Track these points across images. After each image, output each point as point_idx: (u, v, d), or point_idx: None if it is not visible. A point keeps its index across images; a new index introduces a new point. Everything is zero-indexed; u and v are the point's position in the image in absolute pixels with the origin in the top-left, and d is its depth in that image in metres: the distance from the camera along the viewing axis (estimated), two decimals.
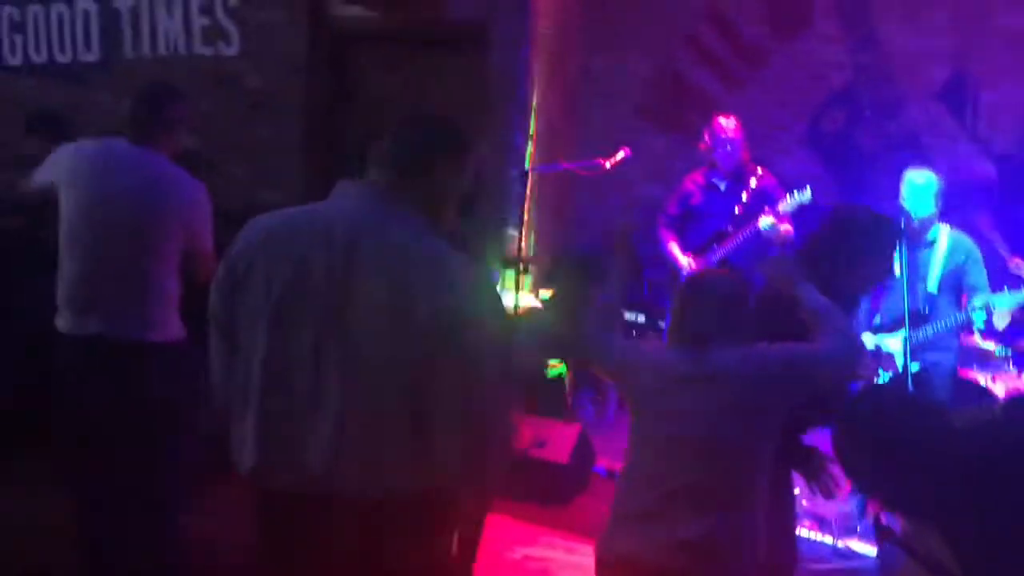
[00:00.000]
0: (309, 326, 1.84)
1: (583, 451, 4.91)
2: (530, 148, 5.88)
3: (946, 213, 4.48)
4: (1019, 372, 4.59)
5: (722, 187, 5.11)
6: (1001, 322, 4.13)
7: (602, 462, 5.00)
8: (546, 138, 5.99)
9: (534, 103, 5.81)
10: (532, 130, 5.84)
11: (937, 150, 5.99)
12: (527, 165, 5.79)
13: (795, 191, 4.97)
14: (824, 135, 6.25)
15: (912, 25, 5.90)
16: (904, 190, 4.31)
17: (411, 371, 1.81)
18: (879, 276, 3.10)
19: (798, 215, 4.98)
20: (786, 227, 4.91)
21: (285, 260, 1.88)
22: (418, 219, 1.92)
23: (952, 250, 4.23)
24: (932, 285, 4.20)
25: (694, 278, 2.77)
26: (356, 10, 6.03)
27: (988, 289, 4.19)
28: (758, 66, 6.30)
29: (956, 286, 4.23)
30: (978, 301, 4.08)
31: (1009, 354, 4.66)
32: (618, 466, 4.70)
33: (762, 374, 2.44)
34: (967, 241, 4.26)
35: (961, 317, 4.13)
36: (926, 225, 4.27)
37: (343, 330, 1.82)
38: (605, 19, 6.40)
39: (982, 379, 4.73)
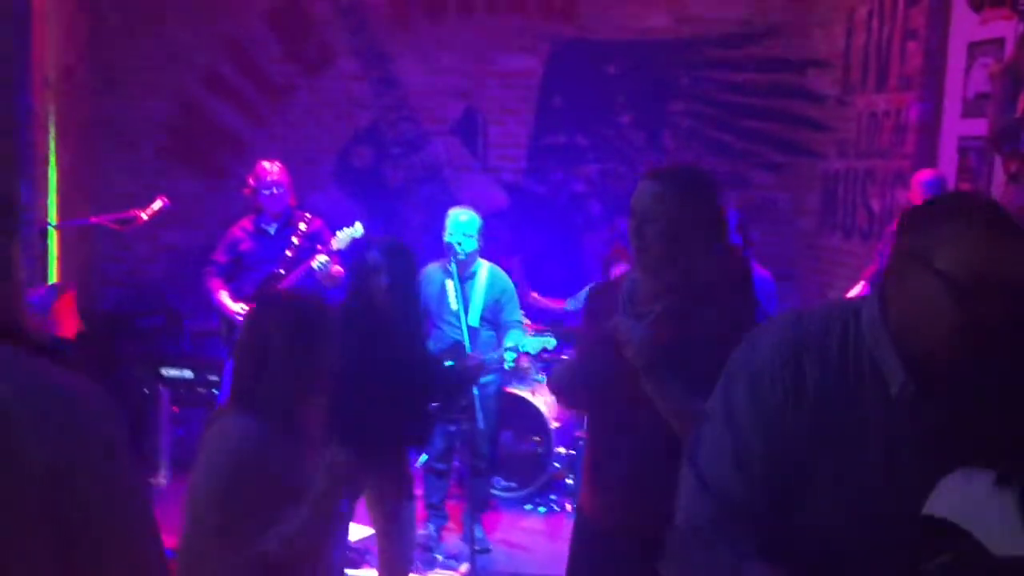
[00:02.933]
0: None
1: None
2: (53, 202, 5.18)
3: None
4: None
5: (271, 231, 4.96)
6: (533, 352, 4.55)
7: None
8: (66, 190, 5.34)
9: (51, 153, 5.13)
10: (53, 183, 5.15)
11: (457, 181, 6.46)
12: (52, 220, 5.09)
13: (346, 227, 4.99)
14: (353, 170, 6.39)
15: (425, 66, 6.29)
16: (448, 227, 4.53)
17: None
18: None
19: (349, 251, 5.01)
20: (337, 268, 4.92)
21: None
22: None
23: (490, 285, 4.54)
24: (473, 318, 4.47)
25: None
26: None
27: (521, 325, 4.57)
28: (283, 103, 6.25)
29: (494, 320, 4.54)
30: (509, 342, 4.44)
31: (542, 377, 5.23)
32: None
33: None
34: (504, 277, 4.60)
35: (496, 356, 4.45)
36: (469, 260, 4.52)
37: None
38: (114, 61, 5.91)
39: (523, 393, 5.22)
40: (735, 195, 6.55)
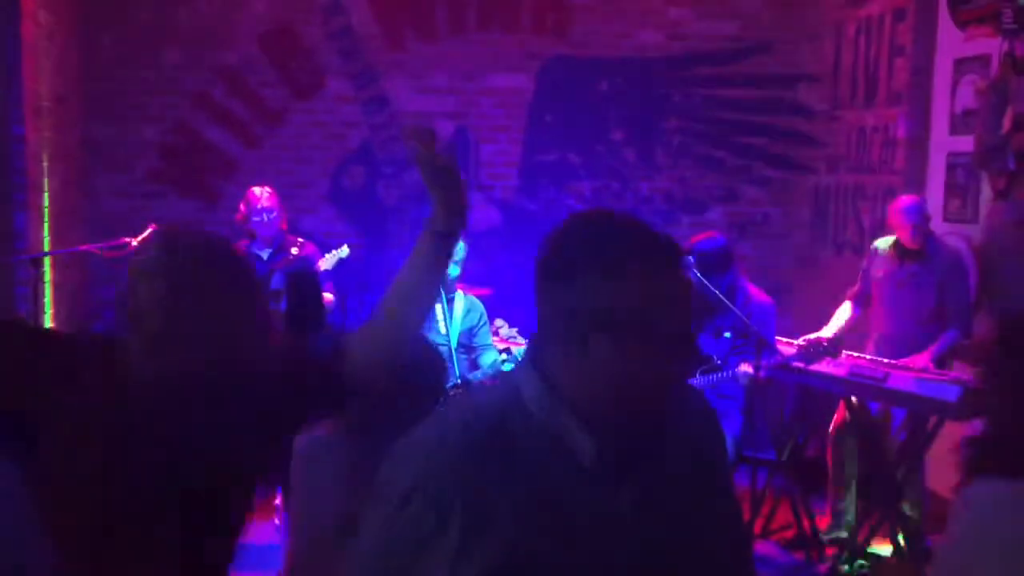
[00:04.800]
0: None
1: None
2: (46, 231, 5.21)
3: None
4: None
5: (264, 256, 4.97)
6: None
7: None
8: (59, 216, 5.36)
9: (45, 182, 5.15)
10: (46, 212, 5.18)
11: None
12: (46, 248, 5.12)
13: (333, 249, 5.02)
14: (346, 191, 6.41)
15: (416, 85, 6.31)
16: None
17: None
18: None
19: (336, 272, 5.04)
20: (328, 295, 4.93)
21: None
22: None
23: (466, 312, 4.53)
24: (453, 343, 4.45)
25: None
26: None
27: (493, 347, 4.57)
28: (275, 125, 6.27)
29: (468, 344, 4.53)
30: (486, 360, 4.45)
31: None
32: None
33: None
34: (477, 304, 4.57)
35: (479, 377, 4.45)
36: (449, 287, 4.51)
37: None
38: (107, 87, 5.94)
39: None
40: (727, 211, 6.59)
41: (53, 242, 5.26)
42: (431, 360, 2.52)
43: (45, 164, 5.21)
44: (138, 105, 6.05)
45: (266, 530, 4.63)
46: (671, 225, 6.32)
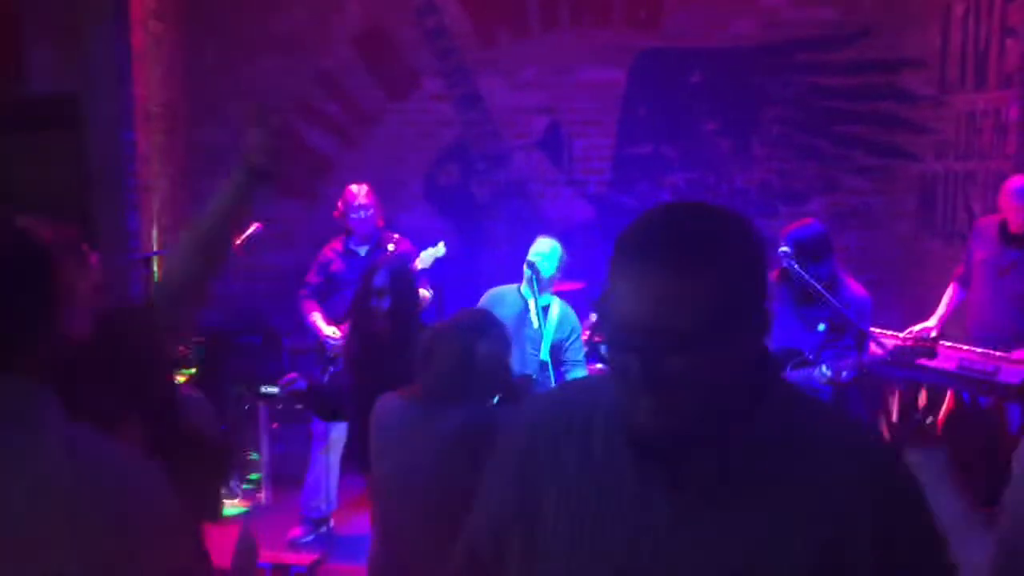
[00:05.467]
0: None
1: (246, 551, 4.59)
2: (155, 231, 5.43)
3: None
4: None
5: (362, 252, 5.07)
6: None
7: (266, 556, 4.71)
8: (168, 218, 5.58)
9: (154, 184, 5.38)
10: (156, 213, 5.41)
11: (543, 195, 6.49)
12: (155, 248, 5.35)
13: (429, 246, 5.07)
14: (441, 188, 6.48)
15: (509, 81, 6.34)
16: (533, 249, 4.47)
17: None
18: None
19: (432, 269, 5.09)
20: (425, 292, 4.96)
21: None
22: None
23: (560, 323, 4.41)
24: (544, 353, 4.35)
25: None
26: None
27: (583, 365, 4.43)
28: (372, 126, 6.39)
29: (557, 357, 4.37)
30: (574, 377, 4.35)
31: None
32: (284, 558, 4.53)
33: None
34: (573, 316, 4.47)
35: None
36: (545, 286, 4.44)
37: None
38: (211, 93, 6.14)
39: None
40: (827, 201, 6.42)
41: (162, 242, 5.47)
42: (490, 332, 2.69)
43: (155, 167, 5.42)
44: (240, 109, 6.23)
45: (361, 521, 4.73)
46: (769, 216, 6.19)
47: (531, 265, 4.37)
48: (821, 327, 3.93)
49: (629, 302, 1.14)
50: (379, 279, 3.59)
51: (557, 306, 4.45)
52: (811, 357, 3.93)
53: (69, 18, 4.99)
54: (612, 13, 6.32)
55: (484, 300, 4.47)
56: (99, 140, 5.14)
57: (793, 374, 4.00)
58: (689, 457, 1.18)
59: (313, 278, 5.14)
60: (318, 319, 5.07)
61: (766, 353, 1.24)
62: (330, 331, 5.01)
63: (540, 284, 4.38)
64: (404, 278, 3.66)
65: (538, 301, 4.35)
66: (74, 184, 5.13)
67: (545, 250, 4.44)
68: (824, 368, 3.77)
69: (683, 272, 1.12)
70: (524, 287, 4.37)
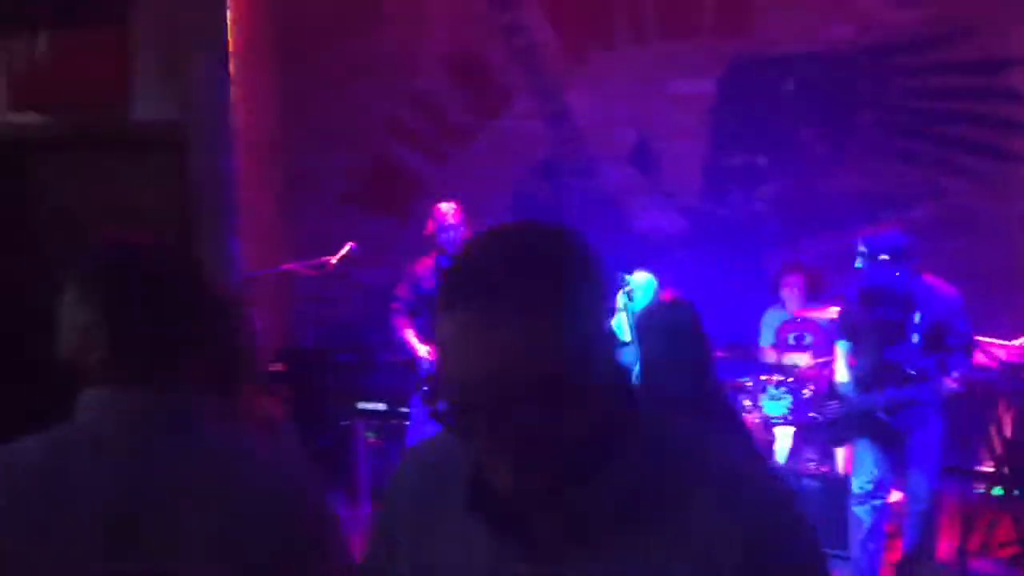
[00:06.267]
0: None
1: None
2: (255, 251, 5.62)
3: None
4: None
5: None
6: None
7: None
8: (266, 240, 5.76)
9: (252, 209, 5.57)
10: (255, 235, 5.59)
11: (634, 206, 6.45)
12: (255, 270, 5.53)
13: None
14: (532, 204, 6.51)
15: (598, 95, 6.33)
16: (632, 282, 4.49)
17: None
18: None
19: None
20: None
21: None
22: None
23: None
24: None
25: None
26: (28, 116, 5.46)
27: None
28: (464, 145, 6.46)
29: None
30: None
31: None
32: None
33: None
34: None
35: None
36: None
37: None
38: (306, 116, 6.32)
39: None
40: (932, 206, 6.19)
41: (260, 264, 5.64)
42: None
43: (254, 192, 5.60)
44: (333, 134, 6.39)
45: None
46: (870, 223, 6.00)
47: (629, 294, 4.36)
48: (915, 338, 3.77)
49: (461, 353, 0.98)
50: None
51: None
52: (912, 372, 3.78)
53: (172, 49, 5.22)
54: (701, 22, 6.26)
55: None
56: (200, 166, 5.35)
57: (895, 393, 3.85)
58: (549, 514, 1.05)
59: (405, 292, 5.22)
60: (411, 336, 5.15)
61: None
62: (424, 351, 5.07)
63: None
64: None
65: (630, 315, 4.34)
66: (176, 208, 5.34)
67: (642, 282, 4.47)
68: (949, 382, 3.62)
69: (517, 311, 0.97)
70: (616, 321, 4.35)
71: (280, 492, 1.38)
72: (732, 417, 2.97)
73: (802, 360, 5.35)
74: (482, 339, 0.97)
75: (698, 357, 2.87)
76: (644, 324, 3.00)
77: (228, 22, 5.32)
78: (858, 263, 3.93)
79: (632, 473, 1.05)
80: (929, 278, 3.97)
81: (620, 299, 4.35)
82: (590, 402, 1.01)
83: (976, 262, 6.02)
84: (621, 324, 4.40)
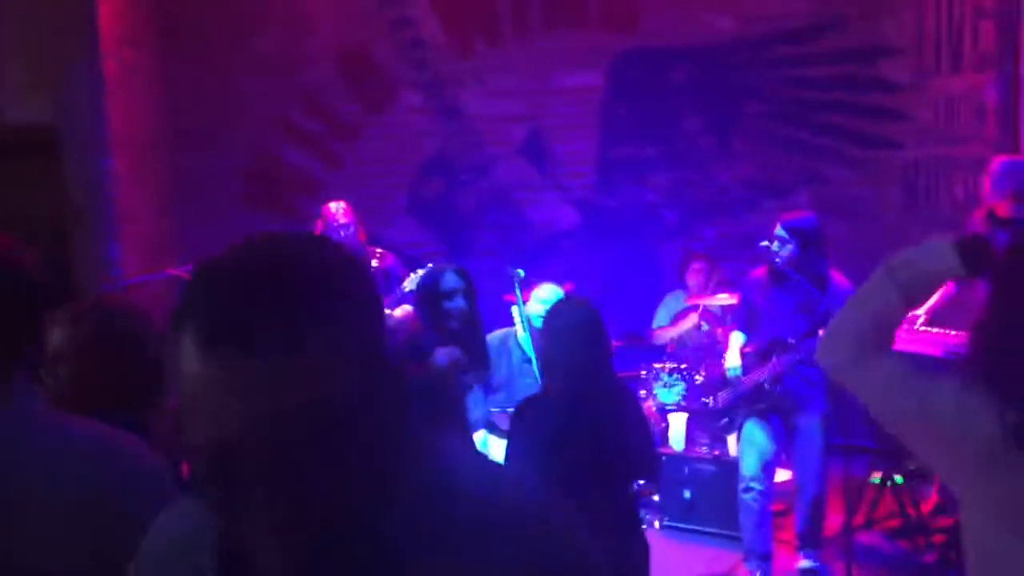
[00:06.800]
0: None
1: None
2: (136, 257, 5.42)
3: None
4: None
5: None
6: None
7: None
8: (148, 244, 5.57)
9: (133, 211, 5.37)
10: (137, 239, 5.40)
11: (526, 202, 6.48)
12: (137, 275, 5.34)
13: (418, 268, 5.03)
14: (424, 200, 6.47)
15: (485, 90, 6.33)
16: (532, 300, 4.44)
17: None
18: None
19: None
20: (405, 308, 4.92)
21: None
22: None
23: None
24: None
25: None
26: None
27: None
28: (352, 141, 6.38)
29: None
30: None
31: None
32: None
33: None
34: None
35: None
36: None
37: None
38: (190, 115, 6.14)
39: None
40: (813, 193, 6.39)
41: (143, 269, 5.46)
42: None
43: (136, 194, 5.41)
44: (220, 132, 6.24)
45: None
46: (754, 212, 6.17)
47: (528, 320, 4.31)
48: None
49: (214, 400, 0.80)
50: (448, 282, 3.62)
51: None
52: (792, 343, 3.93)
53: (40, 48, 5.00)
54: (587, 16, 6.32)
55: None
56: (76, 169, 5.14)
57: (779, 361, 3.99)
58: None
59: None
60: None
61: (401, 429, 0.92)
62: None
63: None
64: (468, 275, 3.71)
65: (520, 305, 4.33)
66: (53, 212, 5.13)
67: (549, 297, 4.37)
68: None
69: (284, 338, 0.79)
70: (524, 336, 4.26)
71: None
72: (634, 408, 3.04)
73: (687, 324, 5.48)
74: (241, 378, 0.79)
75: (597, 356, 2.93)
76: (547, 324, 3.03)
77: (99, 19, 5.12)
78: (774, 245, 4.01)
79: (401, 532, 0.88)
80: (833, 271, 4.11)
81: (518, 318, 4.33)
82: (374, 441, 0.85)
83: (855, 245, 6.24)
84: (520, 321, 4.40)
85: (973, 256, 1.60)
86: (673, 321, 5.74)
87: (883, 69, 6.20)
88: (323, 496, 0.82)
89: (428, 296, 3.73)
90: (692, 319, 5.51)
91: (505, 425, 4.27)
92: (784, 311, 4.06)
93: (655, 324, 5.87)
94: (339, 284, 0.85)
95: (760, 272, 4.20)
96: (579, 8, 6.30)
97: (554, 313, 3.06)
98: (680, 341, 5.61)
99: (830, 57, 6.28)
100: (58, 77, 5.11)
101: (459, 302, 3.64)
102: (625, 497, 2.99)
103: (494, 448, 3.96)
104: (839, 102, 6.32)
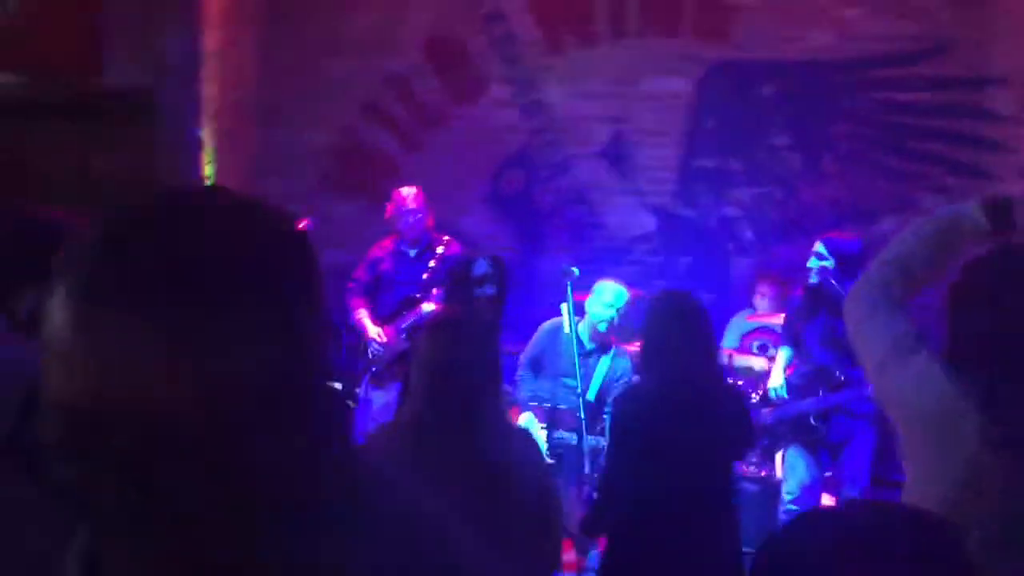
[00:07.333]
0: None
1: None
2: None
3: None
4: None
5: (412, 253, 5.13)
6: None
7: None
8: None
9: (211, 179, 5.56)
10: None
11: (603, 204, 6.45)
12: None
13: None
14: (503, 194, 6.51)
15: (574, 90, 6.32)
16: (592, 297, 4.43)
17: None
18: None
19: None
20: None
21: None
22: None
23: (611, 367, 4.42)
24: (591, 394, 4.35)
25: None
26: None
27: None
28: (437, 130, 6.46)
29: (603, 401, 4.32)
30: None
31: None
32: None
33: None
34: (627, 364, 4.42)
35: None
36: (600, 335, 4.43)
37: None
38: (280, 91, 6.30)
39: None
40: (900, 220, 6.18)
41: None
42: None
43: (222, 163, 5.60)
44: (308, 111, 6.38)
45: None
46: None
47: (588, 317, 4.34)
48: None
49: (67, 367, 0.68)
50: (479, 268, 3.68)
51: (609, 358, 4.43)
52: (842, 378, 3.81)
53: (144, 18, 5.22)
54: (680, 23, 6.25)
55: (540, 334, 4.48)
56: (168, 136, 5.35)
57: (826, 399, 3.88)
58: None
59: (362, 274, 5.22)
60: (364, 317, 5.15)
61: (331, 422, 0.79)
62: (375, 332, 5.07)
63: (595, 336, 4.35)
64: (502, 264, 3.77)
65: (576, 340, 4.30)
66: (144, 174, 5.34)
67: (610, 299, 4.38)
68: None
69: (141, 304, 0.67)
70: (582, 327, 4.32)
71: None
72: (738, 399, 3.17)
73: (757, 364, 5.35)
74: (112, 337, 0.67)
75: (708, 339, 3.06)
76: (653, 310, 3.08)
77: None
78: (812, 261, 3.94)
79: (312, 550, 0.74)
80: None
81: (565, 306, 4.33)
82: (301, 442, 0.72)
83: (944, 277, 6.02)
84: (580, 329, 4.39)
85: (998, 214, 1.70)
86: (740, 343, 5.64)
87: (988, 99, 5.97)
88: (181, 502, 0.67)
89: (458, 282, 3.77)
90: (759, 363, 5.34)
91: (543, 419, 4.30)
92: (813, 338, 3.97)
93: (724, 344, 5.74)
94: (252, 252, 0.73)
95: (799, 292, 4.13)
96: (673, 14, 6.24)
97: (659, 299, 3.13)
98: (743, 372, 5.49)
99: (930, 83, 6.07)
100: (161, 44, 5.32)
101: (488, 289, 3.66)
102: (722, 477, 3.03)
103: (536, 432, 3.99)
104: (935, 129, 6.11)
